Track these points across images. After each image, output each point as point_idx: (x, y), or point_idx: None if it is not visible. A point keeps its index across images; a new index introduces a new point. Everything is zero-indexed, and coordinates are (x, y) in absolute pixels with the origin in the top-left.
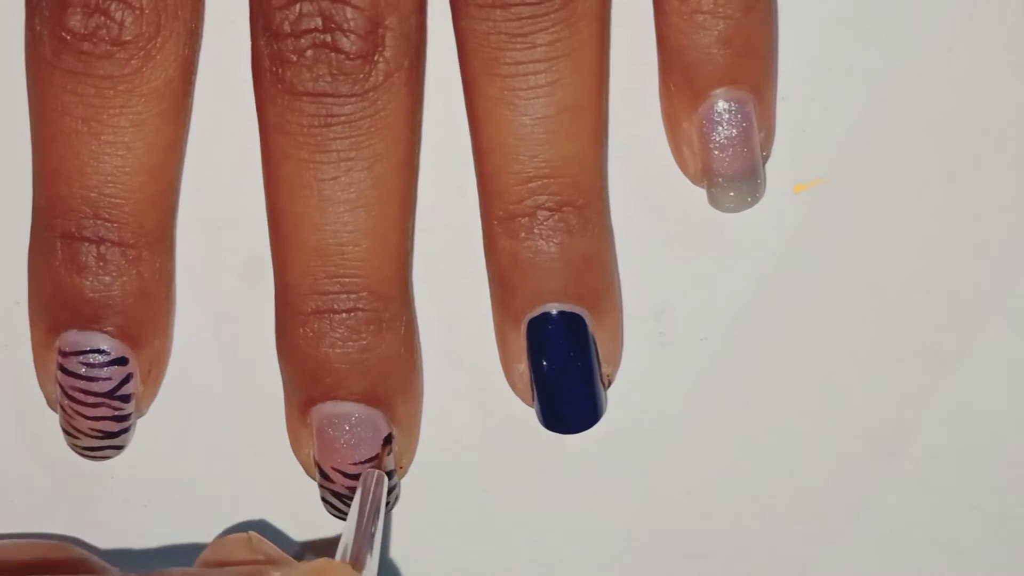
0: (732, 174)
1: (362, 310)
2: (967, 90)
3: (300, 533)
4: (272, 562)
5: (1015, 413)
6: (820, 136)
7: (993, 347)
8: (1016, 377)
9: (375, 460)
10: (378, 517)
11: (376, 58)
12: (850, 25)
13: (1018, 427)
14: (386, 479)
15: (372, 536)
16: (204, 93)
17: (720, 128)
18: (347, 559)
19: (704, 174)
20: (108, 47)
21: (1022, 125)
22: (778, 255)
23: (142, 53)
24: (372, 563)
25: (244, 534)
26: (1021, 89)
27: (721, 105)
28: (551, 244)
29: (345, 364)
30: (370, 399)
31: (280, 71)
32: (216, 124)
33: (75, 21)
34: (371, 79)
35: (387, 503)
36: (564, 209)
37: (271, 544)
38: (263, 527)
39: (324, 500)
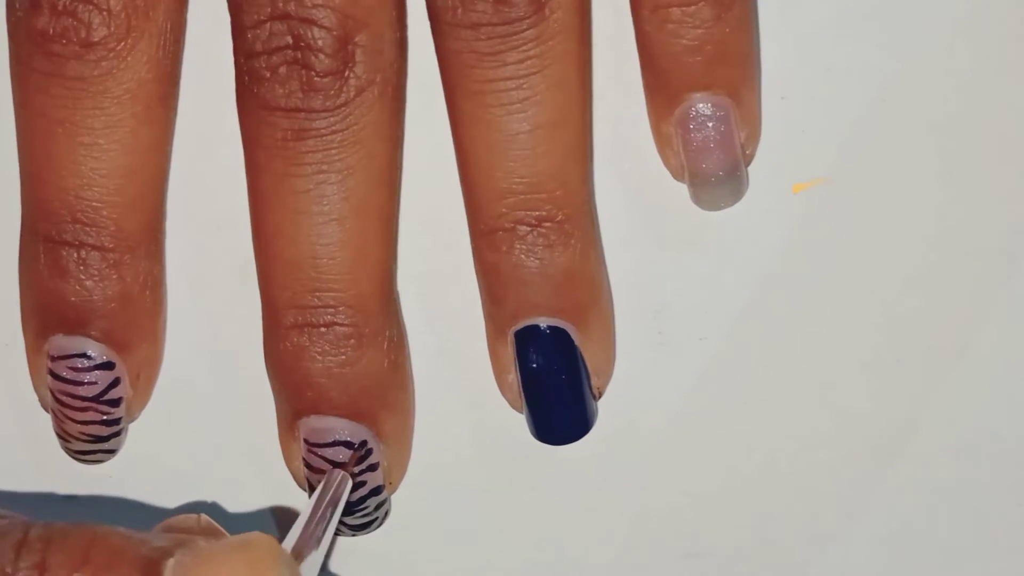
0: (711, 174)
1: (340, 324)
2: (967, 90)
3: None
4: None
5: (1015, 413)
6: (820, 136)
7: (993, 347)
8: (1016, 377)
9: (362, 474)
10: (332, 518)
11: (347, 74)
12: (850, 25)
13: (1018, 427)
14: (350, 482)
15: (321, 535)
16: (202, 94)
17: (696, 131)
18: (287, 549)
19: (684, 173)
20: (77, 48)
21: (1022, 125)
22: (777, 255)
23: (112, 54)
24: (314, 561)
25: (194, 515)
26: (1021, 89)
27: (696, 108)
28: (532, 259)
29: (326, 378)
30: (353, 414)
31: (255, 87)
32: (215, 125)
33: (44, 22)
34: (343, 95)
35: (376, 519)
36: (544, 224)
37: (219, 527)
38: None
39: None
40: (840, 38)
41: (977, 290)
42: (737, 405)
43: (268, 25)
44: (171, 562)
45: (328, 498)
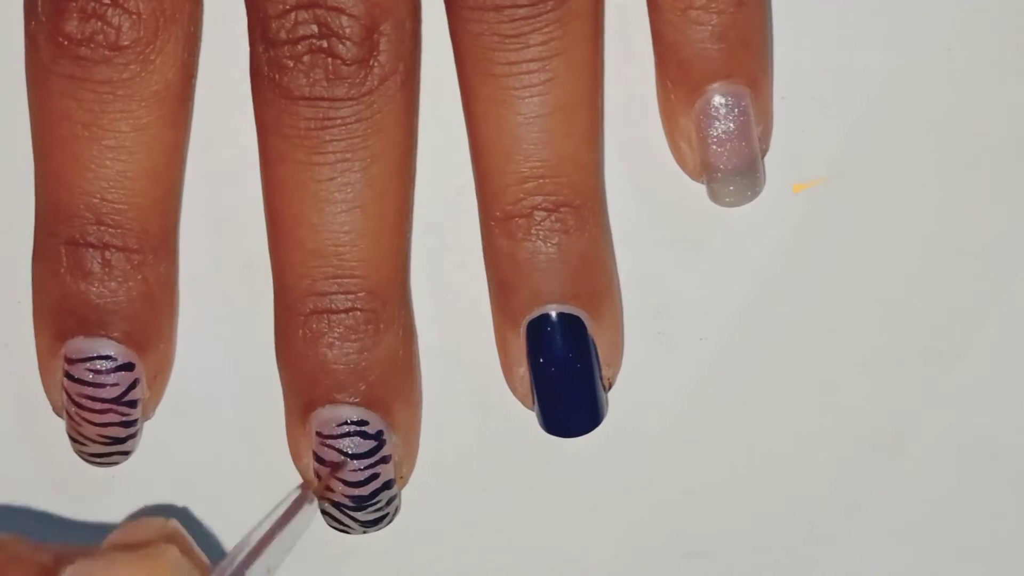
0: (731, 168)
1: (360, 310)
2: (967, 90)
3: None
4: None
5: (1015, 413)
6: (820, 136)
7: (993, 347)
8: (1016, 377)
9: (375, 466)
10: (281, 535)
11: (371, 63)
12: (850, 25)
13: (1018, 427)
14: (315, 503)
15: (264, 553)
16: (205, 94)
17: (717, 123)
18: (230, 566)
19: (703, 169)
20: (106, 52)
21: (1022, 125)
22: (778, 255)
23: (140, 58)
24: None
25: (162, 519)
26: (1021, 89)
27: (718, 100)
28: (549, 245)
29: (343, 365)
30: (369, 403)
31: (277, 76)
32: (217, 125)
33: (72, 26)
34: (367, 83)
35: (387, 514)
36: (561, 209)
37: (185, 533)
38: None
39: (323, 512)
40: (840, 38)
41: (977, 290)
42: (737, 405)
43: (293, 14)
44: (68, 570)
45: (286, 524)
